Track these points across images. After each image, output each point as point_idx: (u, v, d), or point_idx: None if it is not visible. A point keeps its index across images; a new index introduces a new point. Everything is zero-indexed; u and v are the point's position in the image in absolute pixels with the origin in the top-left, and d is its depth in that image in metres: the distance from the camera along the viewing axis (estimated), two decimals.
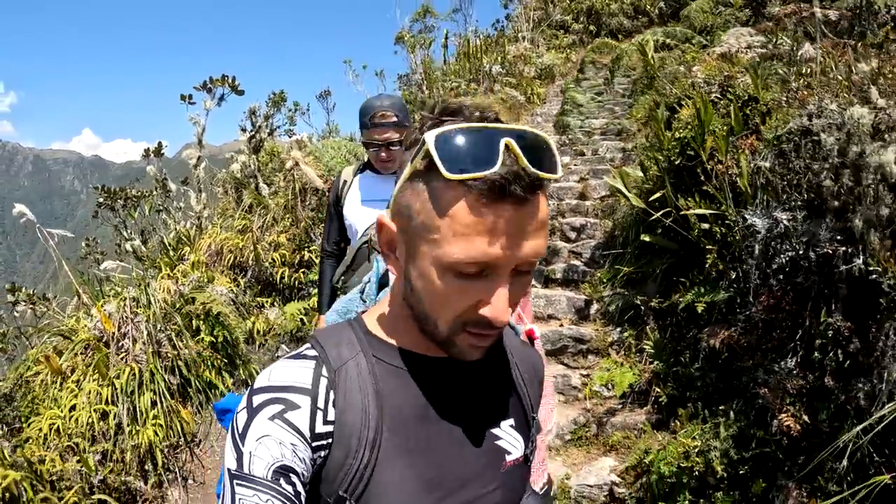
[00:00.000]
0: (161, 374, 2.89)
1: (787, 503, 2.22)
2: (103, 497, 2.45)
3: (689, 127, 2.18)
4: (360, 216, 2.05)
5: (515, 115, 6.67)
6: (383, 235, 0.60)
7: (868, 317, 1.88)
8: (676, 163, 2.33)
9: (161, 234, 4.33)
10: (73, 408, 2.80)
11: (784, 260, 1.99)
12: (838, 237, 1.81)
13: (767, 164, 1.75)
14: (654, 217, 2.77)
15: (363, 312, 0.70)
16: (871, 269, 1.71)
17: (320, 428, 0.57)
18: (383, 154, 1.95)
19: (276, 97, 5.26)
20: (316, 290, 2.71)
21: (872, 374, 1.81)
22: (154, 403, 2.85)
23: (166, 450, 2.76)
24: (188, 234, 4.26)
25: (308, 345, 0.64)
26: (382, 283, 0.79)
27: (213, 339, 3.32)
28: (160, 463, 2.70)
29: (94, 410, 2.77)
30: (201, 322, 3.35)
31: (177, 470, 2.77)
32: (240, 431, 0.55)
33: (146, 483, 2.64)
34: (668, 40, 5.02)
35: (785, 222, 1.72)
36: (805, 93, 1.81)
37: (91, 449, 2.61)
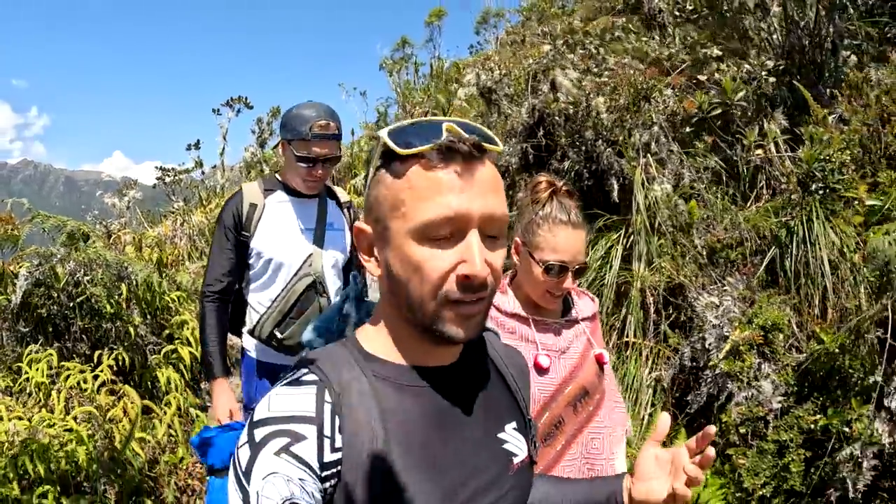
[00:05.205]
0: (196, 255, 5.39)
1: None
2: None
3: None
4: (291, 249, 1.85)
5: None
6: (363, 241, 0.67)
7: None
8: None
9: (198, 193, 6.99)
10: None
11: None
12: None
13: None
14: None
15: (354, 331, 0.72)
16: None
17: (329, 457, 0.59)
18: (319, 171, 1.80)
19: (274, 110, 8.06)
20: None
21: None
22: (188, 273, 5.32)
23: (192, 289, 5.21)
24: (215, 192, 6.90)
25: (305, 370, 0.64)
26: (361, 296, 0.80)
27: None
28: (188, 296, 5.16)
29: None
30: None
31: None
32: (243, 469, 0.57)
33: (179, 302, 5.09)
34: None
35: None
36: None
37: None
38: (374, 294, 0.76)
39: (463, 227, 0.60)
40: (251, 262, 1.87)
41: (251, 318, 1.88)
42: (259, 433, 0.58)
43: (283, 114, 1.87)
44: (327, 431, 0.59)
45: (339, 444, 0.59)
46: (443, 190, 0.59)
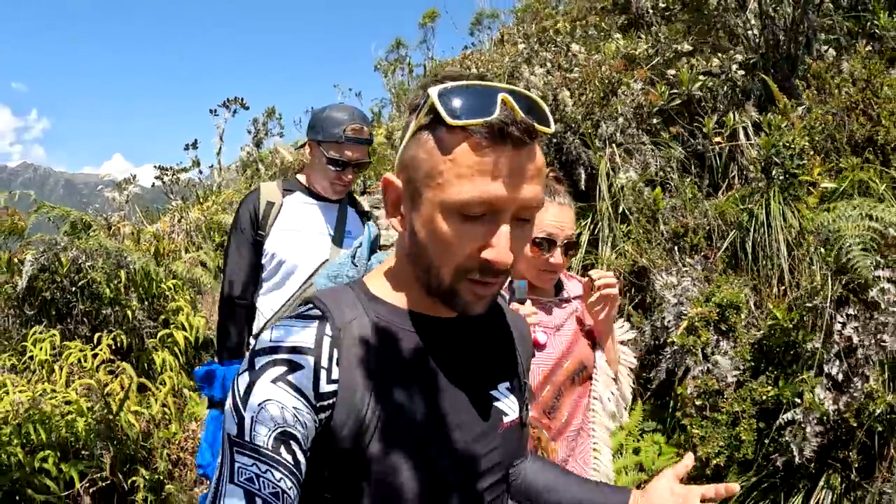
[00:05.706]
0: (193, 249, 5.63)
1: None
2: None
3: None
4: (306, 252, 1.76)
5: None
6: (390, 194, 0.67)
7: None
8: None
9: (196, 192, 7.25)
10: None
11: None
12: None
13: None
14: None
15: (361, 277, 0.74)
16: None
17: (324, 388, 0.61)
18: (349, 176, 1.77)
19: (268, 110, 8.34)
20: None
21: None
22: (184, 263, 5.56)
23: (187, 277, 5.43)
24: (212, 191, 7.15)
25: (309, 305, 0.67)
26: (373, 248, 0.83)
27: (220, 241, 6.05)
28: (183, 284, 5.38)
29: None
30: (214, 231, 6.11)
31: (192, 288, 5.43)
32: (241, 395, 0.59)
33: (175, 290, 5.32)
34: None
35: None
36: None
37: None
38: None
39: (497, 212, 0.60)
40: (264, 262, 1.78)
41: (259, 323, 1.79)
42: (259, 361, 0.60)
43: (312, 115, 1.83)
44: (324, 363, 0.61)
45: (335, 376, 0.62)
46: (485, 174, 0.58)
